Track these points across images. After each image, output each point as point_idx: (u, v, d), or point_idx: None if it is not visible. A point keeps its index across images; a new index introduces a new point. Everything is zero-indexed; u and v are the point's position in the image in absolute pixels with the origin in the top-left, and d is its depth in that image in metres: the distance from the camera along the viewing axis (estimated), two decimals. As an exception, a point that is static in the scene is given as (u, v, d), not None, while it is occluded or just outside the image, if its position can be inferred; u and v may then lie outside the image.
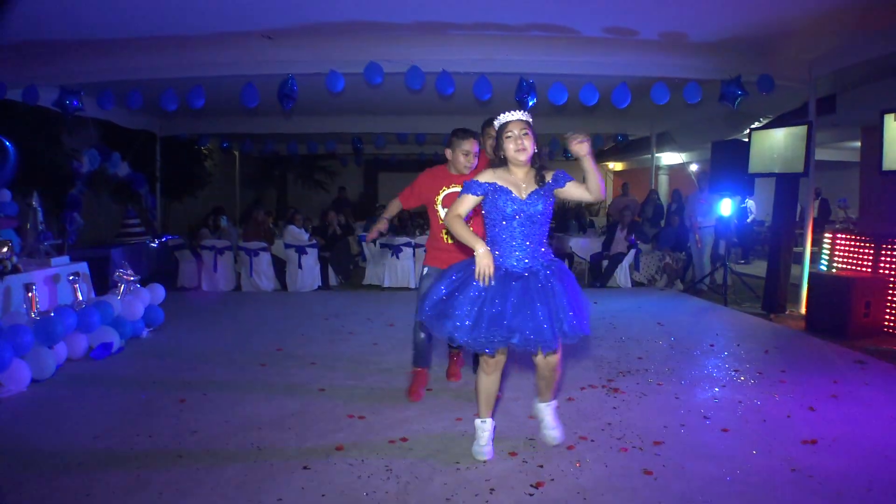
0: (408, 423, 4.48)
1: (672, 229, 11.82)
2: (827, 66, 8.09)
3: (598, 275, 11.39)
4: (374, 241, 10.53)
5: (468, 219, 3.74)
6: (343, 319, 8.16)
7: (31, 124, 10.07)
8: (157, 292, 7.52)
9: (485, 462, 3.81)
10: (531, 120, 3.72)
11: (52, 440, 4.19)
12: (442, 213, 4.83)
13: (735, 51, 8.16)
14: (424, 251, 5.23)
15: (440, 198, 4.90)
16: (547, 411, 4.09)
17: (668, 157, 17.80)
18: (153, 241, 11.35)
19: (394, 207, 5.24)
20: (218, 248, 10.77)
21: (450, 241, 4.81)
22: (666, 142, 15.04)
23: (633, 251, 11.28)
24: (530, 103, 8.28)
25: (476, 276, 3.51)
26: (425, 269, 4.98)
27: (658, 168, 17.99)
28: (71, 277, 6.55)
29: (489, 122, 4.86)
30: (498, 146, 3.73)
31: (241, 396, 5.09)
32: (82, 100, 8.80)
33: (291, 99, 8.25)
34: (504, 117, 3.71)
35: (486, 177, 3.69)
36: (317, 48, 7.94)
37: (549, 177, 3.73)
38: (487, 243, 3.66)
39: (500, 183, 3.65)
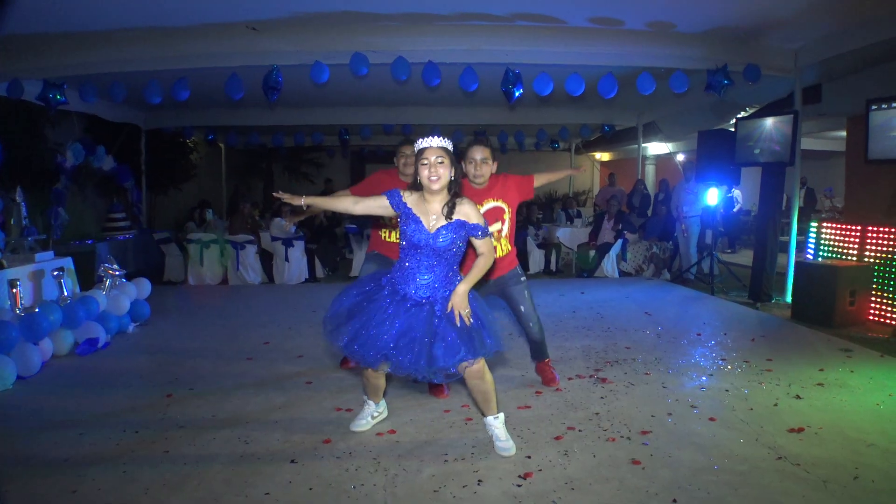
0: (395, 415, 4.47)
1: (659, 219, 11.86)
2: (813, 55, 8.11)
3: (585, 265, 11.41)
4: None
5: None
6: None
7: (13, 118, 9.96)
8: (144, 287, 7.48)
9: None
10: (450, 146, 3.65)
11: (37, 437, 4.16)
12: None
13: (721, 40, 8.17)
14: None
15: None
16: (495, 424, 3.89)
17: (655, 147, 17.82)
18: (139, 236, 11.27)
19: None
20: (204, 241, 10.70)
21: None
22: (653, 132, 15.06)
23: (620, 241, 11.31)
24: (517, 94, 8.27)
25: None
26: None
27: (645, 158, 18.00)
28: (56, 273, 6.49)
29: (404, 142, 5.02)
30: (416, 171, 3.68)
31: (228, 391, 5.06)
32: (66, 93, 8.71)
33: (277, 90, 8.19)
34: (422, 143, 3.65)
35: (407, 197, 3.69)
36: (302, 39, 7.88)
37: (466, 213, 3.65)
38: (397, 265, 3.76)
39: (414, 211, 3.66)
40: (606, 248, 11.27)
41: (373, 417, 4.25)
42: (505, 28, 7.83)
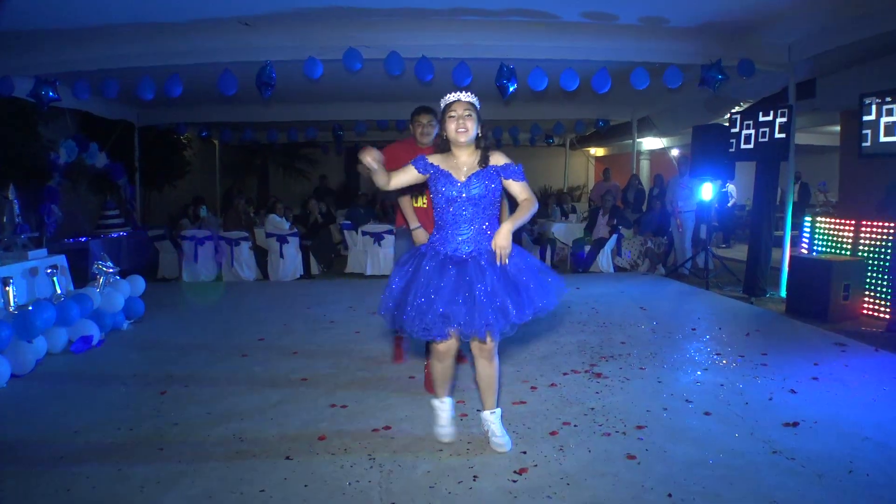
0: (390, 411, 4.47)
1: (654, 214, 11.87)
2: (807, 50, 8.10)
3: (580, 260, 11.41)
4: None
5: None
6: (325, 308, 8.12)
7: (6, 116, 9.92)
8: (137, 284, 7.45)
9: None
10: (477, 102, 3.66)
11: (31, 435, 4.15)
12: None
13: (715, 35, 8.17)
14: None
15: None
16: (492, 419, 3.85)
17: (650, 143, 17.83)
18: (133, 233, 11.24)
19: (406, 205, 4.83)
20: (198, 238, 10.67)
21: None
22: (647, 127, 15.06)
23: (615, 236, 11.31)
24: (511, 89, 8.26)
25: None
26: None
27: (639, 153, 17.99)
28: (49, 270, 6.47)
29: (418, 111, 4.98)
30: (441, 127, 3.69)
31: (223, 388, 5.05)
32: (58, 90, 8.67)
33: (270, 86, 8.17)
34: (448, 97, 3.65)
35: (432, 158, 3.68)
36: (295, 34, 7.86)
37: (498, 161, 3.65)
38: (436, 228, 3.72)
39: (442, 167, 3.64)
40: (601, 243, 11.28)
41: (452, 418, 3.97)
42: (499, 23, 7.82)
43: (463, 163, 3.65)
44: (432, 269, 3.55)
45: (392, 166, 3.87)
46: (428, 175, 3.66)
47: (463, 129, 3.57)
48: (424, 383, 4.97)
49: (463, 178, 3.61)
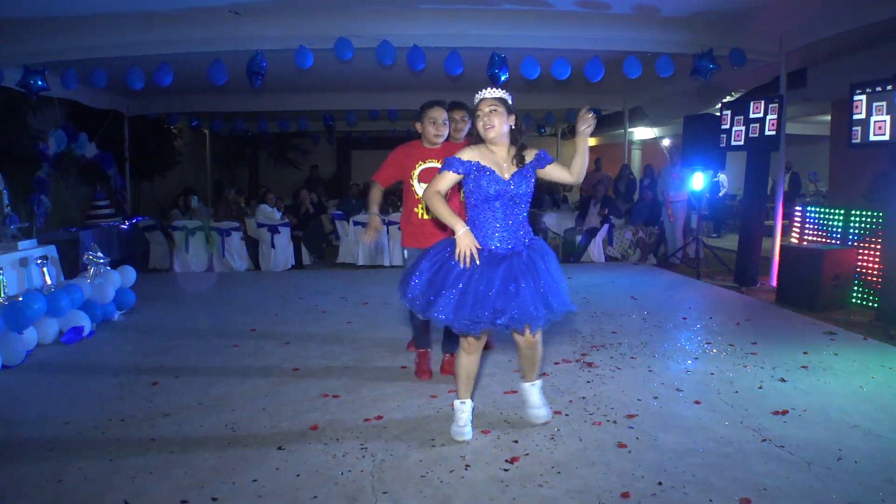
0: (383, 401, 4.47)
1: (645, 204, 11.89)
2: (798, 39, 8.12)
3: (571, 250, 11.43)
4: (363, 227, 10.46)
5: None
6: (317, 298, 8.12)
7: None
8: (128, 275, 7.42)
9: (466, 442, 3.80)
10: (505, 96, 3.67)
11: (22, 426, 4.14)
12: (418, 188, 4.77)
13: (707, 24, 8.17)
14: (399, 230, 5.17)
15: (416, 173, 4.81)
16: (532, 391, 4.02)
17: (641, 132, 17.84)
18: (123, 223, 11.19)
19: (377, 193, 5.02)
20: (189, 228, 10.64)
21: (425, 217, 4.75)
22: (638, 117, 15.07)
23: (606, 226, 11.33)
24: (502, 78, 8.24)
25: (456, 258, 3.49)
26: (406, 252, 5.02)
27: (631, 143, 18.03)
28: (39, 261, 6.43)
29: (454, 106, 4.93)
30: (474, 125, 3.71)
31: (214, 378, 5.05)
32: (47, 79, 8.60)
33: (260, 76, 8.13)
34: (477, 95, 3.68)
35: (468, 155, 3.63)
36: (286, 23, 7.82)
37: (530, 156, 3.70)
38: (468, 223, 3.63)
39: (483, 162, 3.61)
40: (593, 232, 11.30)
41: (471, 420, 3.90)
42: (491, 12, 7.80)
43: (502, 159, 3.68)
44: (483, 263, 3.53)
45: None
46: (464, 175, 3.65)
47: (490, 125, 3.60)
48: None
49: (507, 176, 3.64)
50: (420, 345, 5.11)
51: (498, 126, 3.60)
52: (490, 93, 3.65)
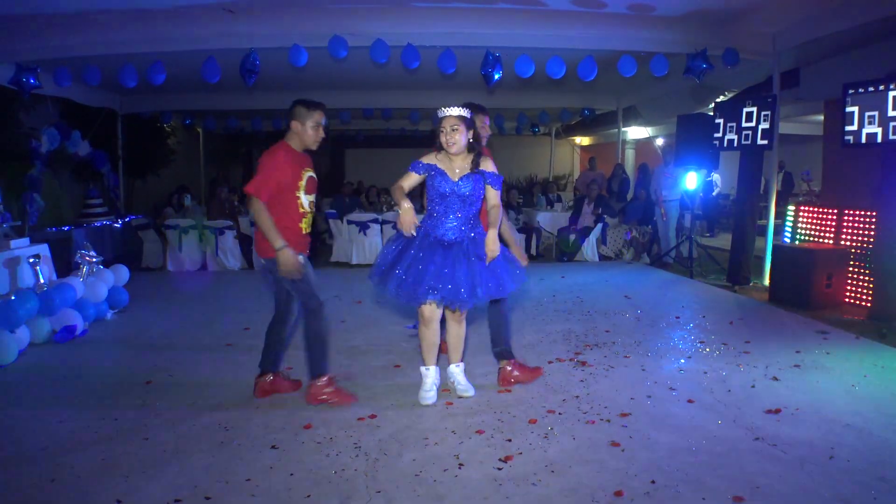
0: (376, 400, 4.47)
1: (638, 203, 11.91)
2: (791, 39, 8.14)
3: (565, 249, 11.44)
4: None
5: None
6: (311, 297, 8.09)
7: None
8: (121, 273, 7.41)
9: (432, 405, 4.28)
10: (465, 113, 4.19)
11: (14, 425, 4.12)
12: (304, 200, 4.37)
13: (701, 24, 8.19)
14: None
15: (303, 183, 4.36)
16: (457, 372, 4.57)
17: (635, 132, 17.87)
18: (116, 222, 11.16)
19: (262, 213, 4.14)
20: (182, 227, 10.61)
21: (306, 233, 4.47)
22: (632, 116, 15.10)
23: (599, 225, 11.34)
24: (496, 77, 8.24)
25: (399, 227, 4.11)
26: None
27: (625, 142, 18.06)
28: (31, 260, 6.40)
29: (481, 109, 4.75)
30: (435, 134, 4.23)
31: (208, 377, 5.05)
32: (39, 77, 8.56)
33: (254, 74, 8.11)
34: (441, 112, 4.19)
35: (428, 159, 4.26)
36: (280, 21, 7.80)
37: (484, 165, 4.26)
38: (426, 215, 4.31)
39: (439, 166, 4.23)
40: (586, 232, 11.31)
41: (436, 385, 4.47)
42: (485, 10, 7.79)
43: (456, 165, 4.24)
44: (425, 248, 4.19)
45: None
46: (424, 175, 4.27)
47: (453, 142, 4.15)
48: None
49: (456, 178, 4.21)
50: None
51: (459, 142, 4.16)
52: (452, 111, 4.17)
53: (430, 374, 4.45)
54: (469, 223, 4.28)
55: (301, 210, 4.36)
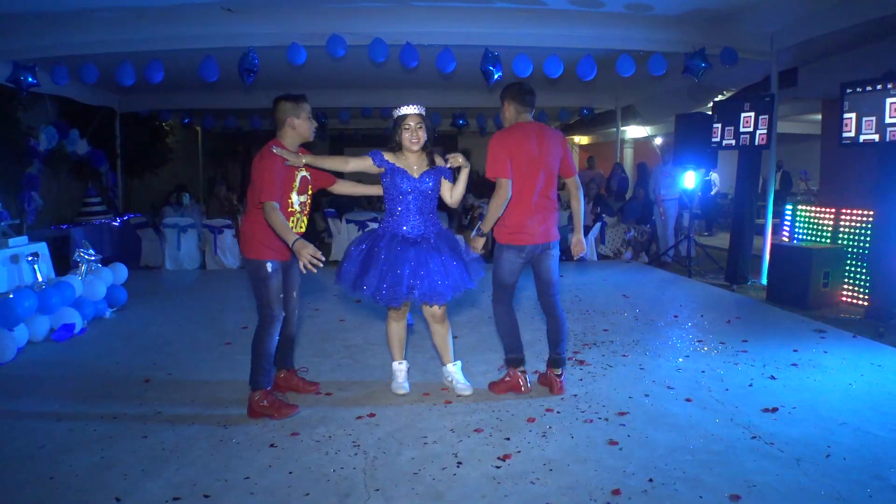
0: (374, 398, 4.48)
1: (637, 202, 11.92)
2: (789, 38, 8.15)
3: (563, 248, 11.43)
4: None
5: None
6: (309, 296, 8.10)
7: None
8: (120, 272, 7.41)
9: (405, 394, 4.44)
10: (424, 111, 4.29)
11: (13, 424, 4.13)
12: (295, 199, 4.27)
13: (699, 23, 8.19)
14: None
15: (296, 184, 4.28)
16: (454, 370, 4.61)
17: (633, 131, 17.87)
18: (115, 220, 11.16)
19: (275, 213, 3.97)
20: (181, 225, 10.61)
21: (301, 230, 4.35)
22: (631, 115, 15.11)
23: (598, 224, 11.35)
24: (496, 76, 8.24)
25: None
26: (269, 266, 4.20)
27: (623, 141, 18.06)
28: (30, 258, 6.41)
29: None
30: (394, 133, 4.27)
31: (206, 375, 5.05)
32: (37, 75, 8.55)
33: (252, 73, 8.11)
34: (403, 110, 4.24)
35: (388, 156, 4.28)
36: (278, 20, 7.80)
37: (439, 161, 4.37)
38: (386, 215, 4.37)
39: (397, 164, 4.27)
40: (585, 231, 11.29)
41: (408, 379, 4.67)
42: (484, 10, 7.80)
43: (413, 162, 4.31)
44: (395, 250, 4.19)
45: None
46: (382, 169, 4.28)
47: (416, 139, 4.23)
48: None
49: (417, 175, 4.28)
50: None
51: (422, 139, 4.25)
52: (417, 109, 4.25)
53: (402, 368, 4.65)
54: (431, 218, 4.38)
55: (290, 209, 4.23)
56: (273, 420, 4.09)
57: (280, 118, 4.33)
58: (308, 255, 3.74)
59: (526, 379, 4.59)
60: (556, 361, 4.57)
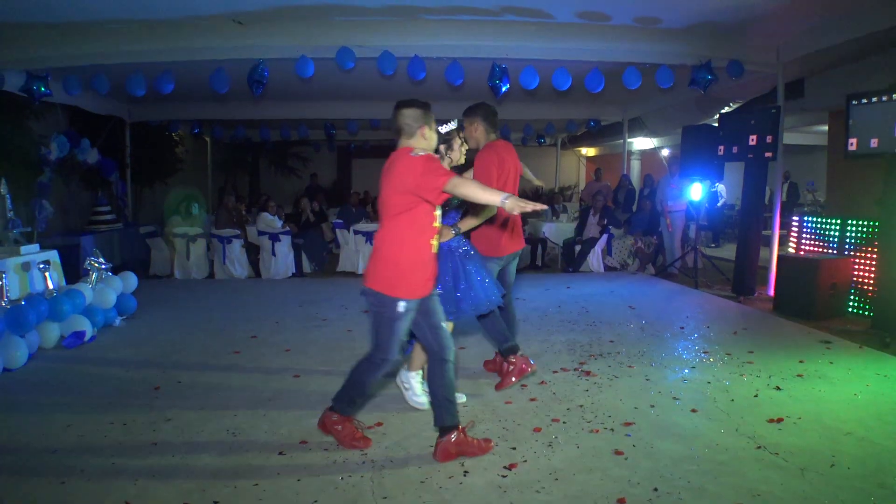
0: (382, 408, 4.51)
1: (644, 214, 11.93)
2: (795, 50, 8.18)
3: (571, 259, 11.47)
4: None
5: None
6: (317, 306, 8.15)
7: (-3, 110, 9.91)
8: (130, 280, 7.47)
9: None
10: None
11: (24, 429, 4.17)
12: (439, 215, 3.78)
13: (705, 36, 8.24)
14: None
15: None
16: (414, 378, 4.57)
17: (640, 143, 17.90)
18: (125, 229, 11.22)
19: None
20: (190, 235, 10.68)
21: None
22: (638, 127, 15.14)
23: (605, 236, 11.37)
24: (503, 89, 8.30)
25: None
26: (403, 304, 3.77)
27: (630, 153, 18.11)
28: (41, 266, 6.48)
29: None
30: (448, 147, 4.22)
31: (216, 383, 5.09)
32: (49, 85, 8.66)
33: (261, 84, 8.18)
34: (453, 123, 4.23)
35: None
36: (288, 33, 7.87)
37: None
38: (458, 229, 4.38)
39: None
40: (592, 242, 11.34)
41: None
42: (492, 23, 7.85)
43: None
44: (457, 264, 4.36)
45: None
46: None
47: (462, 152, 4.27)
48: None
49: None
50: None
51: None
52: (454, 124, 4.25)
53: (417, 379, 4.61)
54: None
55: (434, 224, 3.71)
56: (284, 427, 4.12)
57: (412, 125, 3.75)
58: (521, 204, 3.17)
59: (528, 358, 4.86)
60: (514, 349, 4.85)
